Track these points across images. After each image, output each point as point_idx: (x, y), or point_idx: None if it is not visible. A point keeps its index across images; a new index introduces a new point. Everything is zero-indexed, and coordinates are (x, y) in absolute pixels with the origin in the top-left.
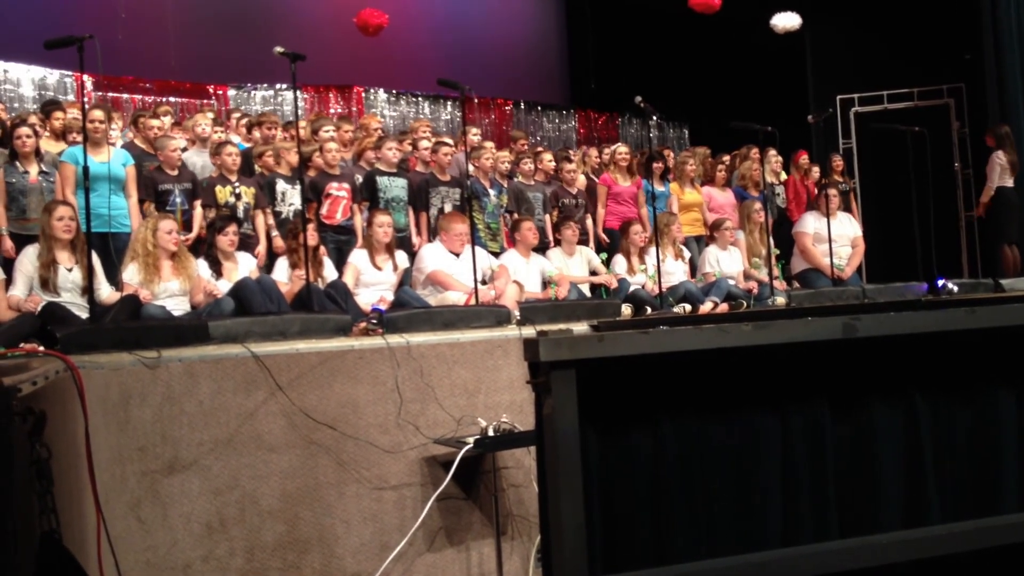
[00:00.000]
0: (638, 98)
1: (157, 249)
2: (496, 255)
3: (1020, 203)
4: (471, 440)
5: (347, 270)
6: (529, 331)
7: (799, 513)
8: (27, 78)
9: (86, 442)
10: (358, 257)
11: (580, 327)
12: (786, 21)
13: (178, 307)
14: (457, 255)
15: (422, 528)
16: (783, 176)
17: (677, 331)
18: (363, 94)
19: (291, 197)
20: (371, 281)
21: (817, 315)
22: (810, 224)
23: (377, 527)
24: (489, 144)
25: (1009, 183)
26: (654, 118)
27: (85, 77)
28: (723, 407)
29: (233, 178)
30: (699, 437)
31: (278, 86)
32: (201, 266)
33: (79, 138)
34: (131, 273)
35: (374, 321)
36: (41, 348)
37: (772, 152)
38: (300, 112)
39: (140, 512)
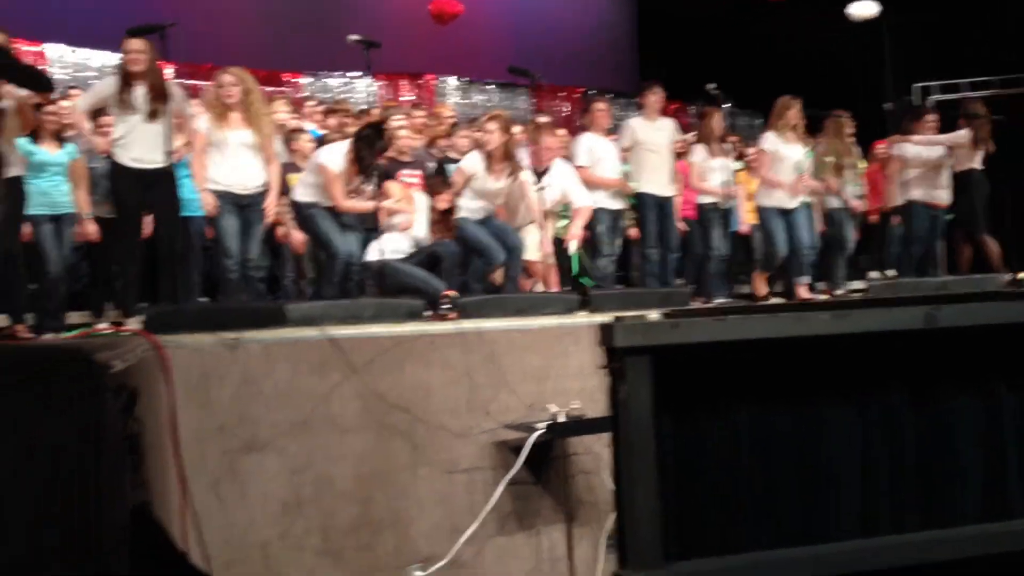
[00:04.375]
0: (711, 85)
1: None
2: (561, 241)
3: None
4: (542, 426)
5: (456, 176)
6: (599, 318)
7: (876, 504)
8: (107, 66)
9: (172, 420)
10: (472, 160)
11: (651, 314)
12: (862, 9)
13: None
14: None
15: (493, 512)
16: (860, 165)
17: (753, 319)
18: (434, 82)
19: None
20: (483, 190)
21: (897, 305)
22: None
23: (448, 510)
24: (561, 132)
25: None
26: (726, 106)
27: (168, 65)
28: (799, 396)
29: (305, 165)
30: (773, 425)
31: (351, 74)
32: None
33: None
34: None
35: (448, 305)
36: (127, 328)
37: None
38: (372, 100)
39: (219, 490)
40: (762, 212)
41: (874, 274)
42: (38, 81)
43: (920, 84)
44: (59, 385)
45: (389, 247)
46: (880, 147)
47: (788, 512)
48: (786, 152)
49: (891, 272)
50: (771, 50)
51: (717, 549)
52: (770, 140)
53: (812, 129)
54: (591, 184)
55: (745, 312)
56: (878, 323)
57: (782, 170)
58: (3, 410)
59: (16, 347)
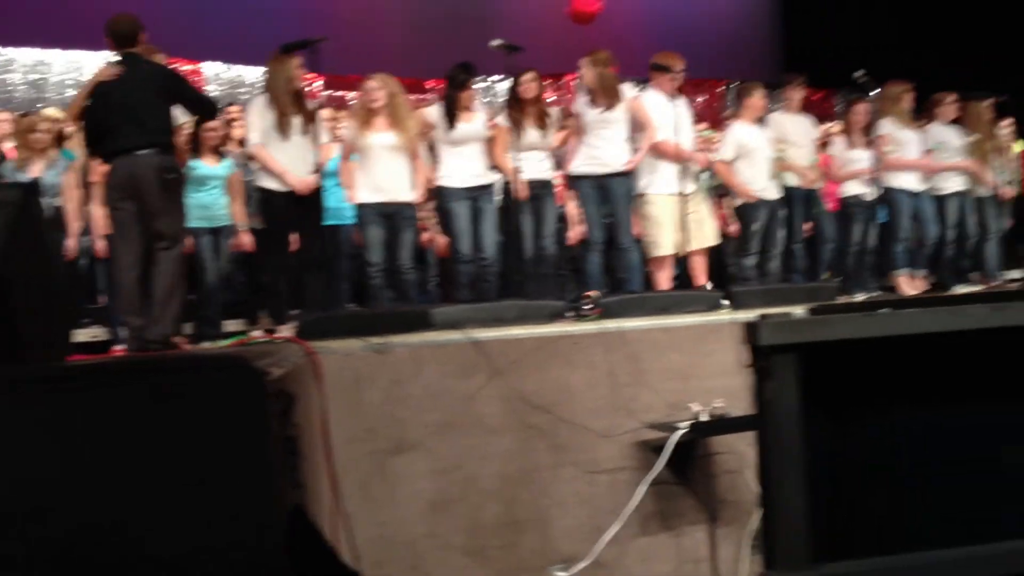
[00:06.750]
0: (859, 72)
1: None
2: None
3: None
4: (684, 425)
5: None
6: (742, 315)
7: None
8: (260, 82)
9: (324, 423)
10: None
11: (796, 311)
12: None
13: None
14: None
15: (635, 512)
16: (1016, 149)
17: (905, 314)
18: (575, 82)
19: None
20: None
21: None
22: None
23: (591, 510)
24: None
25: None
26: (874, 93)
27: (316, 77)
28: (956, 392)
29: None
30: (928, 423)
31: (492, 78)
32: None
33: None
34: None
35: (589, 306)
36: (280, 335)
37: (1006, 122)
38: None
39: (369, 490)
40: (889, 193)
41: None
42: (208, 109)
43: None
44: (223, 391)
45: None
46: None
47: (943, 512)
48: (906, 137)
49: None
50: (924, 32)
51: (867, 550)
52: (887, 126)
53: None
54: (733, 182)
55: (895, 307)
56: None
57: (905, 155)
58: (170, 416)
59: (182, 355)
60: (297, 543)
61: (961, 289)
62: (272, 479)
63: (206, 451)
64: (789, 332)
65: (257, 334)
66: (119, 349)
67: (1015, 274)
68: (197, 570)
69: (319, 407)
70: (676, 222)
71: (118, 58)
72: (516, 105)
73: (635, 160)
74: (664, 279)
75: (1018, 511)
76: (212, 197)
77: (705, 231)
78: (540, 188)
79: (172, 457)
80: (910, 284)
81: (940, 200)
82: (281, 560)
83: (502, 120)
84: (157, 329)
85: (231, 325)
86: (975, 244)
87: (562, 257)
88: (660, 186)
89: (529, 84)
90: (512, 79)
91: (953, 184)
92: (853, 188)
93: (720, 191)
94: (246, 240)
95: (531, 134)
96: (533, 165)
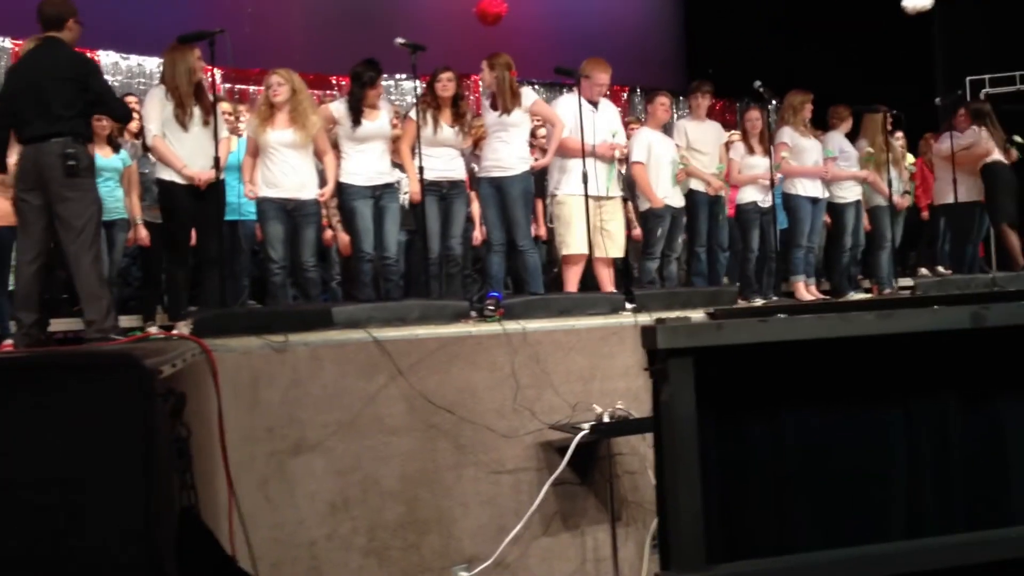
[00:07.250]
0: (757, 83)
1: None
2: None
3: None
4: (587, 426)
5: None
6: (644, 318)
7: (923, 506)
8: (159, 72)
9: (219, 423)
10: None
11: (696, 315)
12: (917, 2)
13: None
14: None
15: (538, 512)
16: (909, 160)
17: (797, 320)
18: (479, 83)
19: (404, 187)
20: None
21: (945, 304)
22: None
23: (494, 510)
24: None
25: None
26: (773, 103)
27: (215, 71)
28: (845, 397)
29: None
30: (820, 427)
31: (397, 76)
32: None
33: None
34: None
35: (492, 307)
36: (176, 332)
37: (898, 135)
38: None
39: (268, 491)
40: (790, 200)
41: (924, 271)
42: (123, 114)
43: (972, 78)
44: (110, 390)
45: None
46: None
47: (833, 513)
48: (805, 145)
49: (942, 269)
50: (822, 45)
51: (761, 551)
52: (788, 134)
53: (855, 125)
54: (645, 184)
55: (790, 312)
56: (923, 323)
57: (804, 163)
58: (55, 415)
59: (68, 351)
60: (187, 545)
61: (856, 296)
62: (159, 480)
63: (90, 451)
64: (685, 336)
65: (153, 331)
66: (7, 344)
67: (907, 282)
68: (81, 573)
69: (215, 406)
70: (585, 222)
71: (37, 41)
72: (432, 101)
73: (544, 161)
74: (574, 279)
75: (899, 513)
76: (107, 189)
77: (615, 240)
78: (450, 187)
79: (55, 457)
80: (808, 290)
81: (838, 209)
82: (170, 563)
83: (413, 115)
84: (105, 325)
85: (126, 321)
86: (869, 252)
87: (468, 257)
88: (570, 186)
89: (447, 83)
90: (429, 76)
91: (851, 194)
92: (749, 195)
93: (624, 195)
94: (143, 234)
95: (446, 131)
96: (445, 163)
